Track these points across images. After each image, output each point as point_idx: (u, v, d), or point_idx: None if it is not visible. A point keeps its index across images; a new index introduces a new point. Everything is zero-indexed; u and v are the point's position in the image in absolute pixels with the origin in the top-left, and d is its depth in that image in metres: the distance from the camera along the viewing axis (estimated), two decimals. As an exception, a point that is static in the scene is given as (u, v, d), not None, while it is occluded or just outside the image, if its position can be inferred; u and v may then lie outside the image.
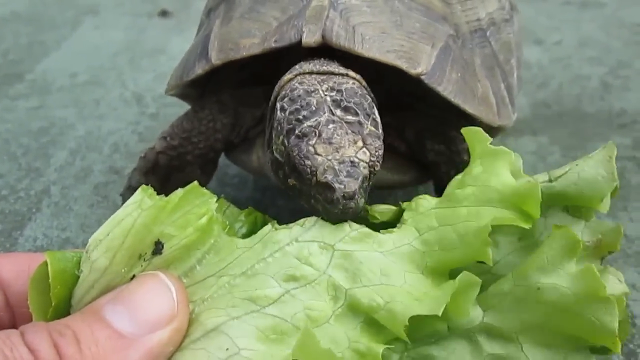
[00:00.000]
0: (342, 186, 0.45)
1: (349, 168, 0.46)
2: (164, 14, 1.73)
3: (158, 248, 0.43)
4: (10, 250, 0.77)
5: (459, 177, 0.48)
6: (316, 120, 0.49)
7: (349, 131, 0.48)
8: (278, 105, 0.52)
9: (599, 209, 0.44)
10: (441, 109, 0.59)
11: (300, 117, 0.49)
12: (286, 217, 0.80)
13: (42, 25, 1.66)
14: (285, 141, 0.49)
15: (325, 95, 0.51)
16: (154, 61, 1.40)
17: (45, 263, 0.41)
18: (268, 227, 0.46)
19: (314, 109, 0.50)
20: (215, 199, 0.46)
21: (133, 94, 1.22)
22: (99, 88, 1.26)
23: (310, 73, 0.55)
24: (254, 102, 0.67)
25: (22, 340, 0.34)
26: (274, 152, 0.52)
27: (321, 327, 0.40)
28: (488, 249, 0.42)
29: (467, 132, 0.49)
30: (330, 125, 0.48)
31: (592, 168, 0.44)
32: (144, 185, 0.44)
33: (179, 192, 0.45)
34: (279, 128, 0.51)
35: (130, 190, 0.70)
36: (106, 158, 0.98)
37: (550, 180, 0.46)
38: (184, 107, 0.79)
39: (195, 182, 0.46)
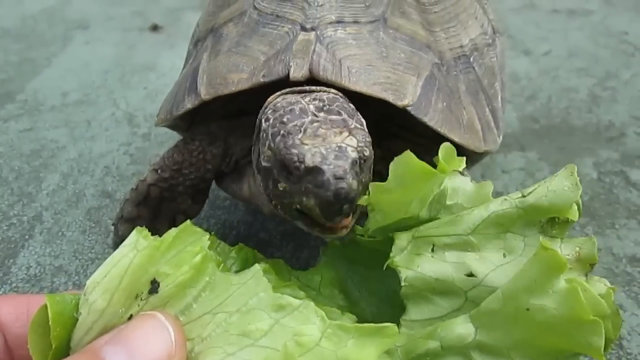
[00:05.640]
0: (331, 167, 0.46)
1: (336, 152, 0.47)
2: (154, 28, 1.73)
3: (154, 287, 0.44)
4: (4, 279, 0.77)
5: None
6: (300, 121, 0.50)
7: (334, 126, 0.49)
8: (262, 118, 0.53)
9: (569, 216, 0.48)
10: (427, 138, 0.59)
11: (284, 119, 0.51)
12: (277, 240, 0.82)
13: (32, 42, 1.65)
14: (271, 144, 0.50)
15: (308, 104, 0.52)
16: (145, 78, 1.39)
17: (45, 306, 0.41)
18: (260, 264, 0.47)
19: (297, 113, 0.51)
20: (207, 237, 0.47)
21: (124, 113, 1.22)
22: (90, 107, 1.25)
23: (292, 92, 0.56)
24: (243, 133, 0.68)
25: (23, 383, 0.35)
26: (262, 161, 0.52)
27: (312, 350, 0.41)
28: None
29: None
30: (315, 124, 0.50)
31: (558, 181, 0.49)
32: (138, 227, 0.45)
33: (173, 231, 0.46)
34: (264, 136, 0.52)
35: (122, 220, 0.70)
36: (98, 181, 0.97)
37: (523, 196, 0.49)
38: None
39: (188, 222, 0.47)
